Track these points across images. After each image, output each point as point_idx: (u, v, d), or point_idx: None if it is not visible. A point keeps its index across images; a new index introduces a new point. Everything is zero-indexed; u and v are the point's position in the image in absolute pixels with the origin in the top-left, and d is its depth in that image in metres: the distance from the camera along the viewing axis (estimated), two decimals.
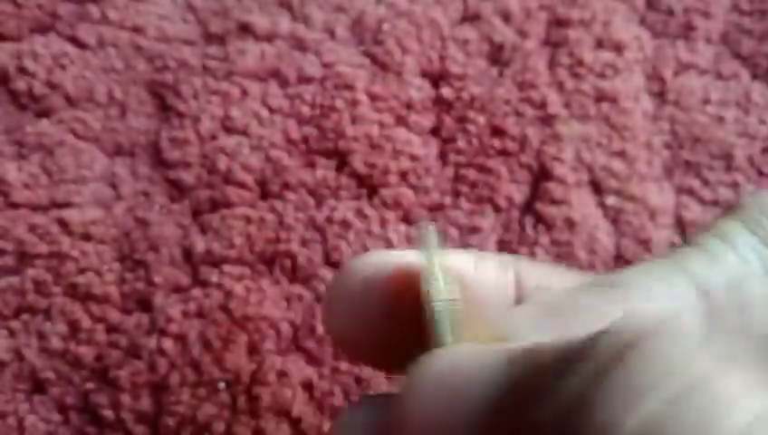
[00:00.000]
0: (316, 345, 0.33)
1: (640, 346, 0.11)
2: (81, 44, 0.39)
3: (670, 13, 0.40)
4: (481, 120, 0.37)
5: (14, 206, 0.35)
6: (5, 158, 0.36)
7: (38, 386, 0.32)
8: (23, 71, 0.38)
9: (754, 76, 0.39)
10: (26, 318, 0.33)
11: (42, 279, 0.33)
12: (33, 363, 0.32)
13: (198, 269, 0.34)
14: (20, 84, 0.38)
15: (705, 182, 0.36)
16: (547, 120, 0.37)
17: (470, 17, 0.39)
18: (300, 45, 0.38)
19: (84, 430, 0.31)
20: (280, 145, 0.36)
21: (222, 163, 0.35)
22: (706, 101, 0.38)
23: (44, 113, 0.37)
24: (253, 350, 0.32)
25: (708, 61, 0.39)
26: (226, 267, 0.33)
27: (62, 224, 0.34)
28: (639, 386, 0.11)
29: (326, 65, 0.38)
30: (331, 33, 0.39)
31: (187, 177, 0.35)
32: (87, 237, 0.34)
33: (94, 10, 0.39)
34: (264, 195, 0.35)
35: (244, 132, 0.36)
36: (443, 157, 0.37)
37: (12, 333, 0.33)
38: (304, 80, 0.37)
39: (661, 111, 0.38)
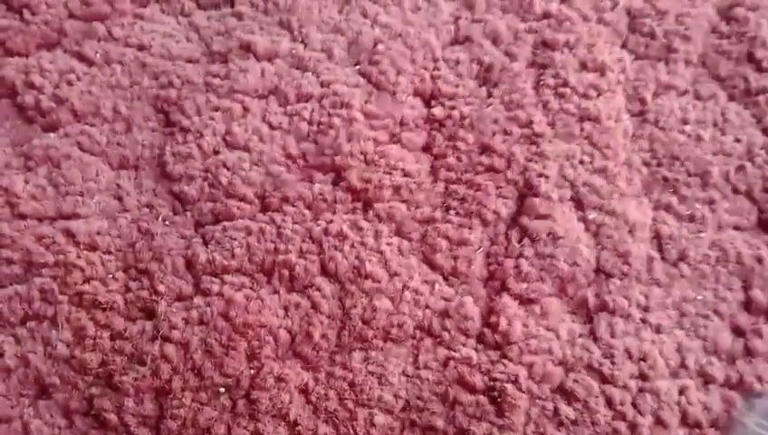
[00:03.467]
0: (312, 351, 0.34)
1: None
2: (87, 61, 0.39)
3: (652, 36, 0.41)
4: (470, 137, 0.38)
5: (22, 216, 0.36)
6: (13, 170, 0.37)
7: (43, 391, 0.33)
8: (30, 85, 0.38)
9: (731, 97, 0.40)
10: (33, 325, 0.34)
11: (48, 288, 0.34)
12: (39, 369, 0.33)
13: (200, 279, 0.35)
14: (27, 98, 0.38)
15: (683, 199, 0.38)
16: (533, 138, 0.38)
17: (461, 39, 0.41)
18: (299, 65, 0.40)
19: (88, 434, 0.32)
20: (279, 160, 0.37)
21: (224, 177, 0.36)
22: (685, 121, 0.39)
23: (51, 127, 0.38)
24: (252, 356, 0.33)
25: (687, 82, 0.40)
26: (227, 277, 0.35)
27: (69, 234, 0.35)
28: None
29: (324, 84, 0.39)
30: (329, 54, 0.40)
31: (190, 190, 0.36)
32: (93, 248, 0.35)
33: (100, 27, 0.40)
34: (264, 208, 0.36)
35: (246, 148, 0.37)
36: (434, 173, 0.38)
37: (18, 340, 0.34)
38: (303, 98, 0.38)
39: (641, 130, 0.39)
